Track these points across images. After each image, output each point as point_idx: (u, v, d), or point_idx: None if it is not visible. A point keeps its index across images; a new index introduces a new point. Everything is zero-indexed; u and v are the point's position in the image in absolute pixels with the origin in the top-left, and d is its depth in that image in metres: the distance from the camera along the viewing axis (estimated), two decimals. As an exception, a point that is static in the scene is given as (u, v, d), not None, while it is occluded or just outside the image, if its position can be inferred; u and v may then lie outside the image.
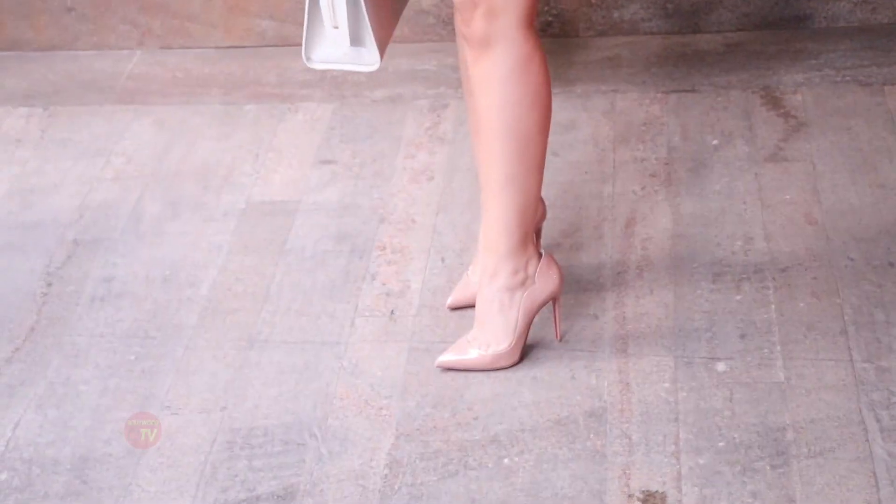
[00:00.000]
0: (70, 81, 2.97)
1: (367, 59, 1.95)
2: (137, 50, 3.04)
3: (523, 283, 2.09)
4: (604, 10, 2.92)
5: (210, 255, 2.43)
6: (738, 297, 2.23)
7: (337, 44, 1.94)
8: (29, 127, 2.83)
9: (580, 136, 2.65)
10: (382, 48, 1.95)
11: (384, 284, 2.33)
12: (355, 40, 1.94)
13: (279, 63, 2.95)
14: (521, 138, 2.00)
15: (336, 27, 1.92)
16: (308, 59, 1.98)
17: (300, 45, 2.93)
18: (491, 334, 2.11)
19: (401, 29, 2.94)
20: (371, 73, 2.86)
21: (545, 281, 2.10)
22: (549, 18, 2.93)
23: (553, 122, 2.65)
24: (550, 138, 2.60)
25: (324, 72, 2.90)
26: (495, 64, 1.95)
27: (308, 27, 1.94)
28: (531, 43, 1.95)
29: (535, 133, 2.01)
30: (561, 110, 2.71)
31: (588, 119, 2.70)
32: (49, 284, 2.39)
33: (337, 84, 2.87)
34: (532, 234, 2.10)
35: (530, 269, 2.09)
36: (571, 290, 2.26)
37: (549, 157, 2.56)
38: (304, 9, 1.97)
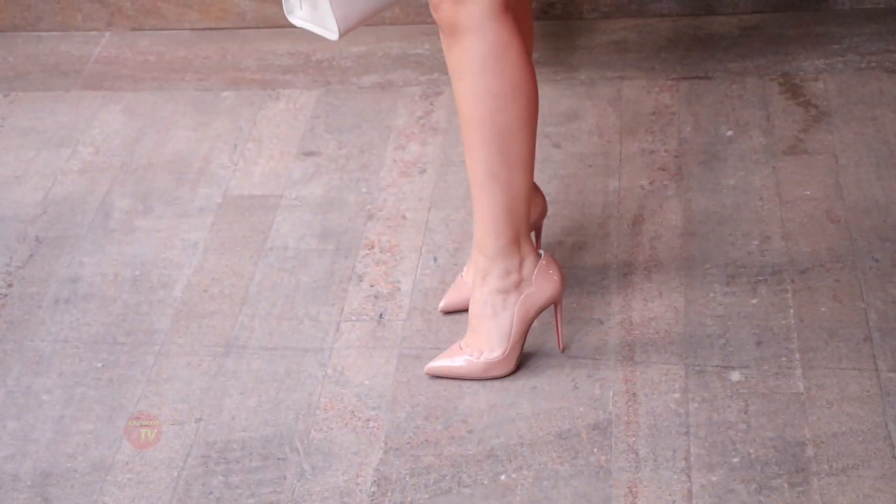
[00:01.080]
0: (33, 65, 2.96)
1: (331, 25, 1.99)
2: (106, 31, 3.04)
3: (517, 286, 2.08)
4: (610, -11, 2.93)
5: (184, 254, 2.42)
6: (754, 301, 2.23)
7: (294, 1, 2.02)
8: (-12, 114, 2.83)
9: (584, 126, 2.65)
10: (348, 21, 1.98)
11: (372, 286, 2.33)
12: (313, 3, 1.99)
13: (259, 46, 2.95)
14: (500, 133, 1.98)
15: None
16: (290, 12, 2.03)
17: (282, 27, 2.96)
18: (484, 340, 2.10)
19: (391, 10, 2.94)
20: (358, 57, 2.89)
21: (544, 283, 2.09)
22: (552, -1, 2.93)
23: (555, 112, 2.66)
24: (552, 129, 2.62)
25: (308, 56, 2.90)
26: (466, 53, 1.94)
27: None
28: (506, 31, 1.93)
29: (516, 128, 1.99)
30: (563, 98, 2.71)
31: (592, 108, 2.70)
32: (9, 285, 2.39)
33: (321, 70, 2.86)
34: (526, 232, 2.08)
35: (525, 271, 2.08)
36: (574, 292, 2.26)
37: (550, 149, 2.57)
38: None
